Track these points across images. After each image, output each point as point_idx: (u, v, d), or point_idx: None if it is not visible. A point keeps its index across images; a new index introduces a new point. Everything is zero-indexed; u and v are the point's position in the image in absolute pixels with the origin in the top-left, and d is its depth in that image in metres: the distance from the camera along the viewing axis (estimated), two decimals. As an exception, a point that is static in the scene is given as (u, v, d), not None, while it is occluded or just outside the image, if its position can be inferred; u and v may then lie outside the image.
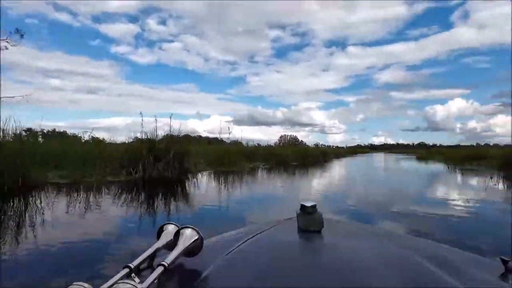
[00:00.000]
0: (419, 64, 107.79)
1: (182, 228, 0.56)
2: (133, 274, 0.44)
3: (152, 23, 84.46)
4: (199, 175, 8.06)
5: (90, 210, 3.63)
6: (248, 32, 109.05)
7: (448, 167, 13.05)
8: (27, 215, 3.35)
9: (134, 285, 0.38)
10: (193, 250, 0.55)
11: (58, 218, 3.23)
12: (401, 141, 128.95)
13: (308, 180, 8.14)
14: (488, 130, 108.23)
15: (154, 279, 0.43)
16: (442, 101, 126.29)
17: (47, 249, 2.23)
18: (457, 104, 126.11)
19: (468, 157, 15.19)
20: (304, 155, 16.56)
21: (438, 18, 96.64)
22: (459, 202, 4.51)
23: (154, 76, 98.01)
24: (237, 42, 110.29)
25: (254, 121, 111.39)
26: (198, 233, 0.55)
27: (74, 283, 0.37)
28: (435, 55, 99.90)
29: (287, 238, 0.68)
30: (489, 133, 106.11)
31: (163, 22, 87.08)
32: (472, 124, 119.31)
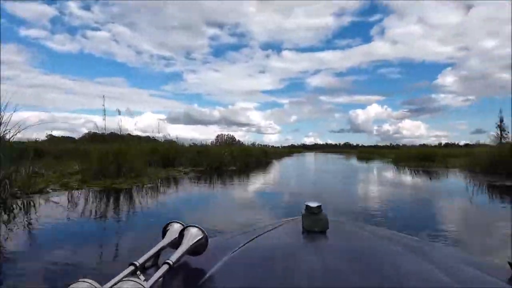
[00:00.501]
0: (344, 72, 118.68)
1: (187, 227, 0.56)
2: (138, 272, 0.44)
3: (73, 6, 71.54)
4: (41, 201, 3.77)
5: None
6: (185, 27, 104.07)
7: (407, 169, 11.21)
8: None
9: (139, 283, 0.38)
10: (198, 249, 0.54)
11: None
12: (329, 141, 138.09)
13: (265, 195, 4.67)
14: (398, 133, 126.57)
15: (159, 277, 0.43)
16: (363, 106, 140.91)
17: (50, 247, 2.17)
18: (374, 109, 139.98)
19: (418, 158, 13.91)
20: (246, 155, 13.08)
21: (360, 31, 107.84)
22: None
23: (77, 67, 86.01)
24: (172, 37, 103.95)
25: (190, 120, 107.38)
26: (203, 232, 0.55)
27: (80, 280, 0.37)
28: (357, 64, 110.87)
29: (291, 239, 0.68)
30: (398, 135, 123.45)
31: (86, 7, 75.25)
32: (386, 127, 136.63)
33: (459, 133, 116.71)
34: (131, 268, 0.44)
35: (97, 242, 2.44)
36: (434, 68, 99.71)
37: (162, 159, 7.95)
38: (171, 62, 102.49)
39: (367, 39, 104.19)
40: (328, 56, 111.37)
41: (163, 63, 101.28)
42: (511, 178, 6.60)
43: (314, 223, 0.68)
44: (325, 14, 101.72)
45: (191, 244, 0.53)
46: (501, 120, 35.98)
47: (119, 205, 3.94)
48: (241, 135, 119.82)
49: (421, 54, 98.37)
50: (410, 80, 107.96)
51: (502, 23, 72.80)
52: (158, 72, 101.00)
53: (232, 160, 10.84)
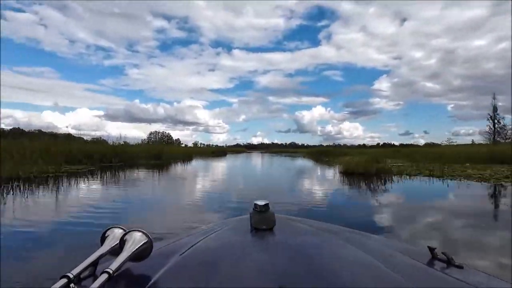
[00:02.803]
0: (293, 73, 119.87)
1: (130, 231, 0.52)
2: (72, 285, 0.40)
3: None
4: None
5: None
6: (127, 16, 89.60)
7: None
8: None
9: None
10: (141, 254, 0.50)
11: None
12: (275, 141, 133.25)
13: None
14: (339, 133, 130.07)
15: None
16: (308, 107, 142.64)
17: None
18: (319, 111, 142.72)
19: None
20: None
21: (309, 35, 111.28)
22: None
23: None
24: (113, 26, 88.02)
25: (132, 117, 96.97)
26: (147, 236, 0.51)
27: None
28: (305, 66, 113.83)
29: (238, 238, 0.67)
30: (339, 136, 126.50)
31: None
32: (328, 128, 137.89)
33: (389, 135, 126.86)
34: (64, 280, 0.40)
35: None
36: (372, 74, 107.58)
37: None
38: (110, 54, 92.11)
39: (315, 43, 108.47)
40: (277, 57, 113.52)
41: (101, 54, 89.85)
42: None
43: (262, 220, 0.68)
44: (275, 15, 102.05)
45: (133, 249, 0.49)
46: (495, 110, 30.02)
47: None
48: (188, 134, 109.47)
49: (362, 60, 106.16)
50: (351, 84, 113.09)
51: (429, 37, 78.76)
52: (96, 65, 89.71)
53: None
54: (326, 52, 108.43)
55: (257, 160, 23.42)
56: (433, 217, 3.77)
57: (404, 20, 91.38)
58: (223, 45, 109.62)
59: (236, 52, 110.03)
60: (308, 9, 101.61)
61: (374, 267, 0.50)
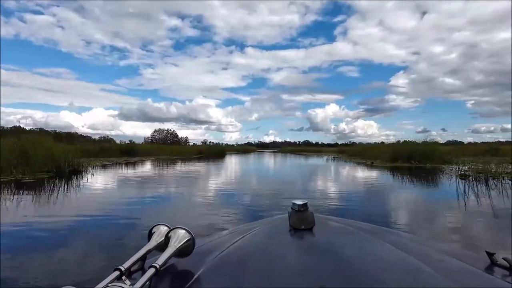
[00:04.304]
0: (307, 70, 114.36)
1: (174, 228, 0.55)
2: (123, 277, 0.43)
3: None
4: None
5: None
6: (142, 15, 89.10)
7: None
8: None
9: None
10: (185, 251, 0.53)
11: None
12: (288, 140, 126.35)
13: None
14: (353, 131, 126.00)
15: (146, 281, 0.42)
16: (322, 104, 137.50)
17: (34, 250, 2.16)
18: (332, 109, 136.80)
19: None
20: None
21: (324, 31, 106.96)
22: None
23: (11, 55, 75.29)
24: (128, 26, 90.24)
25: (145, 117, 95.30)
26: (190, 233, 0.54)
27: (63, 287, 0.36)
28: (319, 63, 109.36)
29: (278, 237, 0.66)
30: (353, 134, 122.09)
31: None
32: (342, 126, 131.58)
33: (405, 132, 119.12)
34: (116, 273, 0.43)
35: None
36: (389, 70, 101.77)
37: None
38: (126, 55, 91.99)
39: (331, 39, 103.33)
40: (291, 54, 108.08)
41: (116, 55, 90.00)
42: None
43: (301, 220, 0.67)
44: (289, 12, 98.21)
45: (177, 246, 0.52)
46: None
47: None
48: (200, 133, 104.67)
49: (379, 56, 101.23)
50: (367, 81, 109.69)
51: (451, 30, 70.53)
52: (111, 65, 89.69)
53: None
54: (341, 48, 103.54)
55: (270, 163, 15.99)
56: None
57: (424, 13, 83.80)
58: (237, 43, 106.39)
59: (249, 50, 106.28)
60: (323, 4, 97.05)
61: (422, 272, 0.47)
